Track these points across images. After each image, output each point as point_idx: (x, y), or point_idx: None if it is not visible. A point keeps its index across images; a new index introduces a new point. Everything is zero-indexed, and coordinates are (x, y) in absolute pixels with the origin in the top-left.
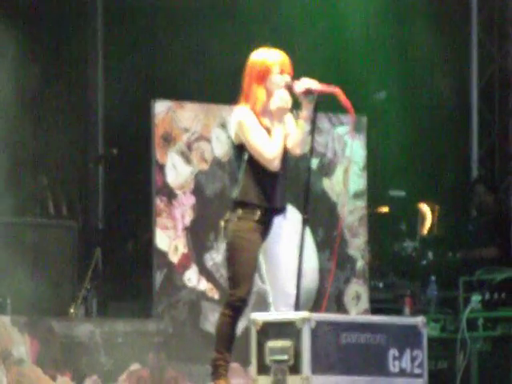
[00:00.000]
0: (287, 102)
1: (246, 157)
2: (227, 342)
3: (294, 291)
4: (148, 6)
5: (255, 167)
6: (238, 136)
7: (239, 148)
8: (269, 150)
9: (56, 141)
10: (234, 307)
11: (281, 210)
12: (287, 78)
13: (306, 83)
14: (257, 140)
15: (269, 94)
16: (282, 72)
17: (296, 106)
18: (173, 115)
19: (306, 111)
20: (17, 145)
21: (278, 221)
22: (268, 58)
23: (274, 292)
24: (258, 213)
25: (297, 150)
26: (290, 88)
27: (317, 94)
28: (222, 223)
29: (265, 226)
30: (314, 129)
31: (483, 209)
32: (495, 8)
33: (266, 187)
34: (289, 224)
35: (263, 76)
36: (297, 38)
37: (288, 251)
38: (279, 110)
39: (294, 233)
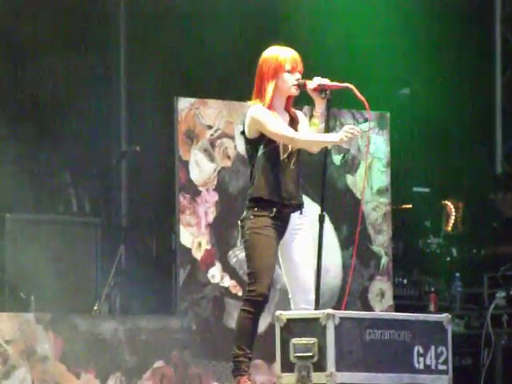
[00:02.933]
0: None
1: (259, 153)
2: (248, 339)
3: (313, 289)
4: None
5: (269, 163)
6: (254, 129)
7: (253, 144)
8: (294, 132)
9: (79, 137)
10: (255, 302)
11: (297, 206)
12: (298, 76)
13: (318, 81)
14: (277, 126)
15: (279, 91)
16: (293, 69)
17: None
18: (196, 112)
19: (319, 108)
20: (39, 142)
21: (295, 217)
22: (279, 55)
23: (293, 289)
24: (274, 209)
25: (313, 148)
26: (301, 86)
27: (329, 90)
28: (239, 222)
29: (281, 222)
30: (327, 125)
31: (497, 207)
32: None
33: (281, 183)
34: (308, 220)
35: (274, 73)
36: (317, 35)
37: (307, 247)
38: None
39: (314, 229)
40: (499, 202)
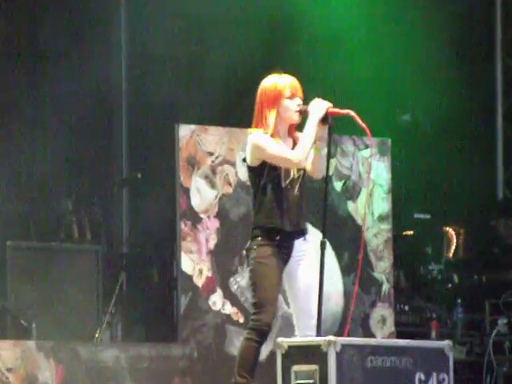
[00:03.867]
0: (321, 103)
1: (262, 181)
2: (250, 367)
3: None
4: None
5: (272, 191)
6: (255, 157)
7: (255, 172)
8: (293, 153)
9: (80, 165)
10: (260, 332)
11: (301, 233)
12: (299, 101)
13: (320, 105)
14: (277, 149)
15: (281, 119)
16: (292, 95)
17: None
18: (197, 139)
19: (320, 134)
20: (41, 169)
21: (299, 243)
22: (278, 82)
23: (298, 315)
24: (278, 237)
25: (317, 174)
26: (303, 112)
27: (331, 116)
28: (245, 252)
29: (285, 249)
30: (329, 151)
31: (497, 234)
32: None
33: (284, 210)
34: (311, 246)
35: (274, 100)
36: (318, 62)
37: (312, 274)
38: (314, 112)
39: (317, 255)
40: (501, 228)
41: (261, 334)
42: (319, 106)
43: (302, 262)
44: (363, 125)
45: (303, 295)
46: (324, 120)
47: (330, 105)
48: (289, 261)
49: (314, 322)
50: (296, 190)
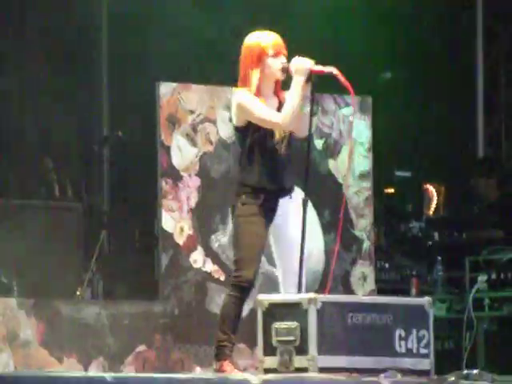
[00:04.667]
0: (304, 63)
1: (248, 140)
2: (233, 323)
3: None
4: None
5: (259, 150)
6: (241, 118)
7: (241, 131)
8: (279, 116)
9: (61, 123)
10: (241, 288)
11: (287, 191)
12: (283, 59)
13: (302, 63)
14: (263, 112)
15: (265, 77)
16: (276, 54)
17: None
18: (178, 97)
19: (303, 92)
20: (22, 128)
21: (284, 202)
22: (261, 40)
23: (284, 272)
24: (262, 196)
25: (300, 133)
26: (286, 71)
27: (314, 74)
28: (230, 209)
29: (270, 208)
30: (312, 110)
31: (478, 192)
32: None
33: (270, 169)
34: (295, 204)
35: (258, 59)
36: (298, 19)
37: (296, 232)
38: (297, 71)
39: (300, 213)
40: (482, 187)
41: (242, 290)
42: (302, 65)
43: (289, 220)
44: (346, 83)
45: (288, 254)
46: (307, 78)
47: (313, 62)
48: (273, 219)
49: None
50: (283, 149)
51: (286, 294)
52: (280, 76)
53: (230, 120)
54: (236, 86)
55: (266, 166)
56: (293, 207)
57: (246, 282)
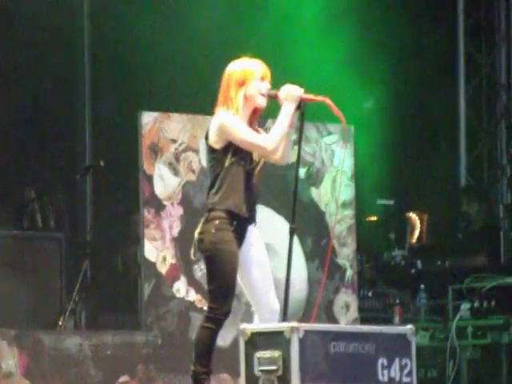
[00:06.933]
0: (295, 90)
1: (227, 163)
2: (209, 355)
3: (275, 298)
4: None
5: (236, 174)
6: (222, 138)
7: (219, 153)
8: (266, 141)
9: (43, 153)
10: (218, 320)
11: (254, 218)
12: (268, 85)
13: (293, 90)
14: (250, 135)
15: (247, 100)
16: (262, 78)
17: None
18: (160, 126)
19: (291, 120)
20: (4, 157)
21: (250, 228)
22: (248, 65)
23: (257, 300)
24: (235, 222)
25: (283, 160)
26: (273, 96)
27: (304, 102)
28: (196, 235)
29: (240, 234)
30: (301, 138)
31: (468, 219)
32: (481, 17)
33: (245, 195)
34: (257, 232)
35: (243, 82)
36: (283, 49)
37: (266, 258)
38: (288, 98)
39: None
40: (474, 212)
41: (218, 322)
42: (292, 93)
43: (254, 247)
44: (339, 112)
45: (260, 280)
46: (297, 106)
47: (302, 90)
48: (241, 246)
49: (275, 306)
50: (256, 172)
51: (262, 321)
52: (262, 102)
53: (207, 143)
54: (213, 111)
55: (241, 192)
56: (256, 233)
57: (222, 315)
